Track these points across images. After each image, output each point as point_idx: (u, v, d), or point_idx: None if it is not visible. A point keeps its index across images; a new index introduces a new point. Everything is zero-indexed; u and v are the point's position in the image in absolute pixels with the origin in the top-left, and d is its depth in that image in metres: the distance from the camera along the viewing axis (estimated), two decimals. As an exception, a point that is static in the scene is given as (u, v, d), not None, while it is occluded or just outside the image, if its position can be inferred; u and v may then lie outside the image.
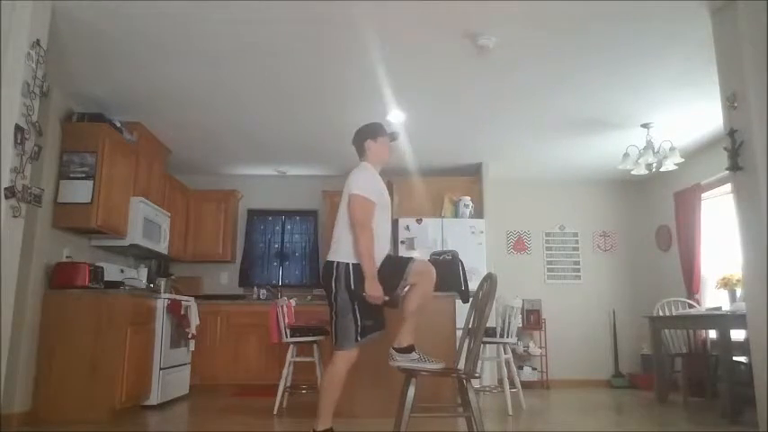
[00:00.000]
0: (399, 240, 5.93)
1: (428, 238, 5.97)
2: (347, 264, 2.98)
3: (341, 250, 3.02)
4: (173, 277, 6.08)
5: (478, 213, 6.28)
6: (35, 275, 4.04)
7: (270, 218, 6.93)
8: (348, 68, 4.07)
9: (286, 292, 5.98)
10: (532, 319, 6.44)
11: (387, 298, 2.96)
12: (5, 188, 2.86)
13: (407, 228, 6.00)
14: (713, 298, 5.50)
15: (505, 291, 4.86)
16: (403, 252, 5.85)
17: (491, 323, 4.36)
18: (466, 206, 6.17)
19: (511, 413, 4.36)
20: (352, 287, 2.94)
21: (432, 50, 3.82)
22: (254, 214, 6.89)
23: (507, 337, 4.56)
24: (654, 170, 5.23)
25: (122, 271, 5.19)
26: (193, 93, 4.51)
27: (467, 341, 2.96)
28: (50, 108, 4.18)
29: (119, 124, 4.77)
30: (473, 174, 6.52)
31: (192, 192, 6.50)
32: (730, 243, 4.96)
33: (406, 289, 3.01)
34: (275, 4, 3.24)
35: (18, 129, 2.93)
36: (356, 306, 2.95)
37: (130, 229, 4.87)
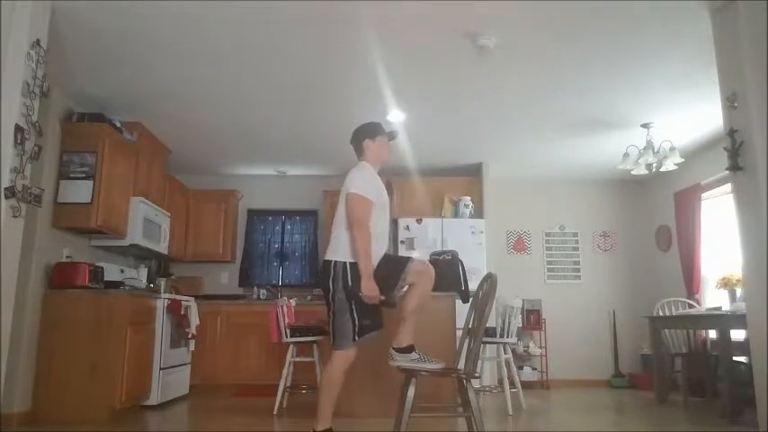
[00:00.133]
0: (399, 240, 5.93)
1: (428, 238, 5.97)
2: (344, 263, 2.97)
3: (338, 249, 3.02)
4: (173, 277, 6.09)
5: (478, 213, 6.28)
6: (35, 275, 4.04)
7: (270, 218, 6.92)
8: (348, 68, 4.07)
9: (286, 292, 5.98)
10: (532, 319, 6.44)
11: (383, 298, 2.95)
12: (5, 188, 2.87)
13: (407, 228, 6.00)
14: (713, 298, 5.50)
15: (505, 291, 4.85)
16: (403, 252, 5.85)
17: (491, 323, 4.35)
18: (466, 206, 6.17)
19: (511, 413, 4.35)
20: (350, 286, 2.94)
21: (432, 50, 3.82)
22: (254, 214, 6.89)
23: (507, 337, 4.56)
24: (654, 170, 5.23)
25: (122, 271, 5.19)
26: (194, 92, 4.51)
27: (467, 341, 2.96)
28: (50, 108, 4.18)
29: (119, 124, 4.77)
30: (473, 174, 6.52)
31: (192, 192, 6.50)
32: (730, 243, 4.96)
33: (404, 289, 3.00)
34: (276, 4, 3.25)
35: (18, 129, 2.93)
36: (353, 305, 2.95)
37: (130, 229, 4.87)
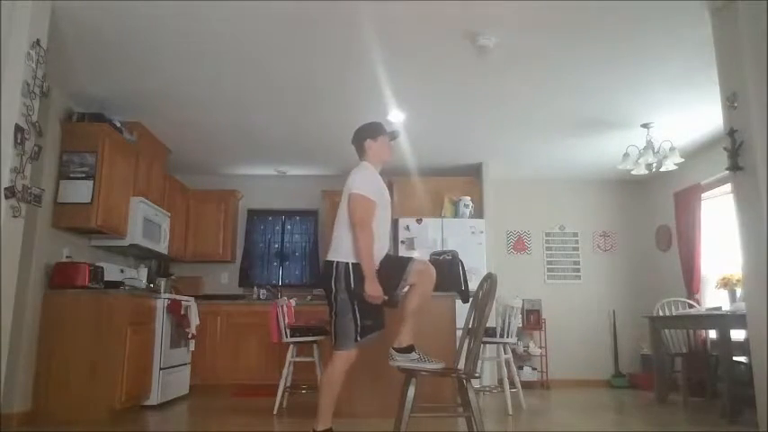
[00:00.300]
0: (399, 240, 5.93)
1: (428, 238, 5.97)
2: (347, 263, 2.97)
3: (340, 250, 3.01)
4: (173, 277, 6.09)
5: (478, 213, 6.28)
6: (35, 275, 4.04)
7: (270, 218, 6.92)
8: (348, 68, 4.07)
9: (286, 292, 5.98)
10: (532, 319, 6.45)
11: (386, 298, 2.96)
12: (5, 188, 2.87)
13: (407, 228, 6.00)
14: (713, 298, 5.50)
15: (505, 291, 4.86)
16: (403, 252, 5.85)
17: (491, 323, 4.35)
18: (466, 206, 6.17)
19: (511, 413, 4.35)
20: (352, 287, 2.94)
21: (432, 50, 3.82)
22: (254, 214, 6.89)
23: (507, 337, 4.56)
24: (654, 170, 5.23)
25: (122, 271, 5.19)
26: (193, 93, 4.51)
27: (467, 341, 2.96)
28: (50, 108, 4.18)
29: (119, 124, 4.77)
30: (473, 174, 6.52)
31: (191, 192, 6.50)
32: (730, 243, 4.95)
33: (405, 289, 3.00)
34: (275, 5, 3.25)
35: (18, 129, 2.93)
36: (356, 306, 2.94)
37: (130, 229, 4.87)
